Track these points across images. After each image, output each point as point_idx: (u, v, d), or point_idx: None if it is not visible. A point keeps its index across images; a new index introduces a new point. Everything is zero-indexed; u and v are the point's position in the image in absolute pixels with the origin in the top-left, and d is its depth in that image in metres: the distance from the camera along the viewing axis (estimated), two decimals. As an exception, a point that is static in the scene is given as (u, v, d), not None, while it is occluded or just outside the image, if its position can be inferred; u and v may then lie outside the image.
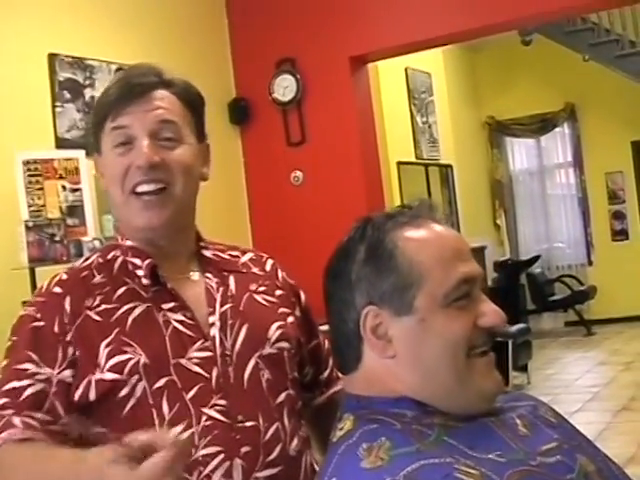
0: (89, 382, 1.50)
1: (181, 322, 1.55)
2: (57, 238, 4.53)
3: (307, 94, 6.67)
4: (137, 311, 1.54)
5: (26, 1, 5.24)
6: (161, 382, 1.49)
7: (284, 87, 6.69)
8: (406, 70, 8.96)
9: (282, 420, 1.57)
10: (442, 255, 1.35)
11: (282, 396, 1.60)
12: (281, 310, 1.69)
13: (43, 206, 4.69)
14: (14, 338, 1.56)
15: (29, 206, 4.66)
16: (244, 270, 1.71)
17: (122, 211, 1.61)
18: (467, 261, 1.38)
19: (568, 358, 9.65)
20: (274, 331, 1.63)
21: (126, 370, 1.49)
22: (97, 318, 1.54)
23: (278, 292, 1.72)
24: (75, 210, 4.80)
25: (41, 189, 4.69)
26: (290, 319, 1.69)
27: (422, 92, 9.37)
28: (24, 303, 1.59)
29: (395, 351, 1.34)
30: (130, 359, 1.49)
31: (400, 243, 1.35)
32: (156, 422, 1.46)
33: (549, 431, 1.37)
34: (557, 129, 11.89)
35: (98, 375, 1.49)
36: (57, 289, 1.58)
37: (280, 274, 1.78)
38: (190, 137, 1.63)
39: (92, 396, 1.50)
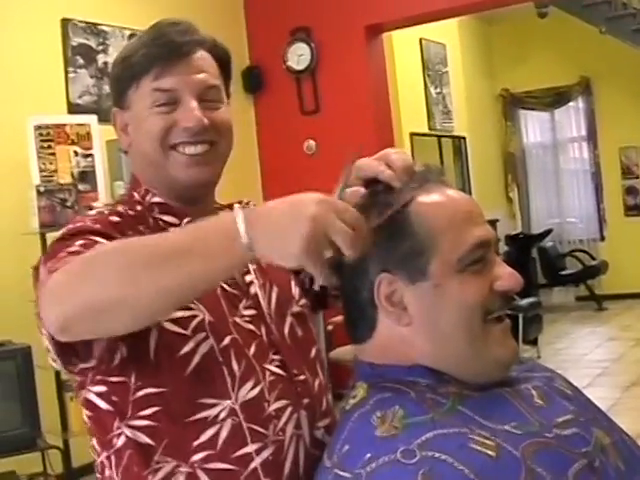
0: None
1: (225, 281, 1.51)
2: (68, 203, 4.52)
3: (321, 63, 6.64)
4: None
5: (39, -36, 5.22)
6: (227, 340, 1.45)
7: (298, 55, 6.66)
8: (421, 41, 8.91)
9: (319, 374, 1.59)
10: (455, 219, 1.32)
11: (313, 351, 1.61)
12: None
13: (55, 171, 4.68)
14: (67, 239, 1.39)
15: (40, 171, 4.65)
16: None
17: (159, 166, 1.53)
18: (481, 224, 1.35)
19: (578, 333, 9.64)
20: (294, 289, 1.64)
21: (191, 326, 1.43)
22: None
23: None
24: (87, 176, 4.79)
25: (53, 154, 4.68)
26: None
27: (437, 63, 9.31)
28: (34, 268, 1.45)
29: (410, 318, 1.32)
30: (195, 316, 1.44)
31: (412, 208, 1.33)
32: (228, 380, 1.43)
33: (565, 403, 1.35)
34: (571, 103, 11.80)
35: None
36: (115, 218, 1.48)
37: None
38: (224, 97, 1.61)
39: (152, 341, 1.40)
